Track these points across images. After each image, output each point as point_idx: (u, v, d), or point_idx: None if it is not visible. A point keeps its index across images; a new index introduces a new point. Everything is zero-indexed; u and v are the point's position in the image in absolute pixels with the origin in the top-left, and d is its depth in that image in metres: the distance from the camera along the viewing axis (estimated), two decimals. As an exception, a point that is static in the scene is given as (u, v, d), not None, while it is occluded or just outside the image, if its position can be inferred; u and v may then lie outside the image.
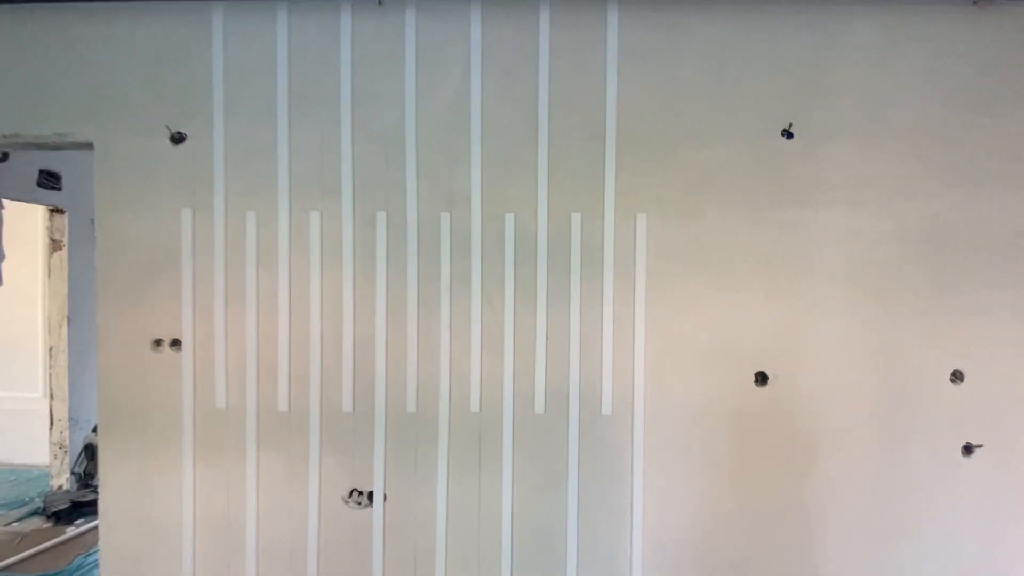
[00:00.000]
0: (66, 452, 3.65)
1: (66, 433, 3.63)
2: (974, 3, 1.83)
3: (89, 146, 1.96)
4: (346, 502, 1.92)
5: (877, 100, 1.86)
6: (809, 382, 1.88)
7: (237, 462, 1.93)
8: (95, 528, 3.18)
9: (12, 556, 2.83)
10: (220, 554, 1.94)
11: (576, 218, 1.89)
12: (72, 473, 3.56)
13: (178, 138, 1.93)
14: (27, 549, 2.90)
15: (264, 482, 1.93)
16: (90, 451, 3.52)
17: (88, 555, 2.85)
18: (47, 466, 3.88)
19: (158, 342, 1.95)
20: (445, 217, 1.90)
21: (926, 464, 1.87)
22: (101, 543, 1.98)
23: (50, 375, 3.66)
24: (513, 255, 1.90)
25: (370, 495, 1.92)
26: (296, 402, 1.92)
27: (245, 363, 1.92)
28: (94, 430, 3.67)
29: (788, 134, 1.86)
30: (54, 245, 3.63)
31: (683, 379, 1.89)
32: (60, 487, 3.60)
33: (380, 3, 1.87)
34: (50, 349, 3.65)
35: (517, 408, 1.90)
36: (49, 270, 3.64)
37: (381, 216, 1.90)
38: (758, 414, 1.88)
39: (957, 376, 1.88)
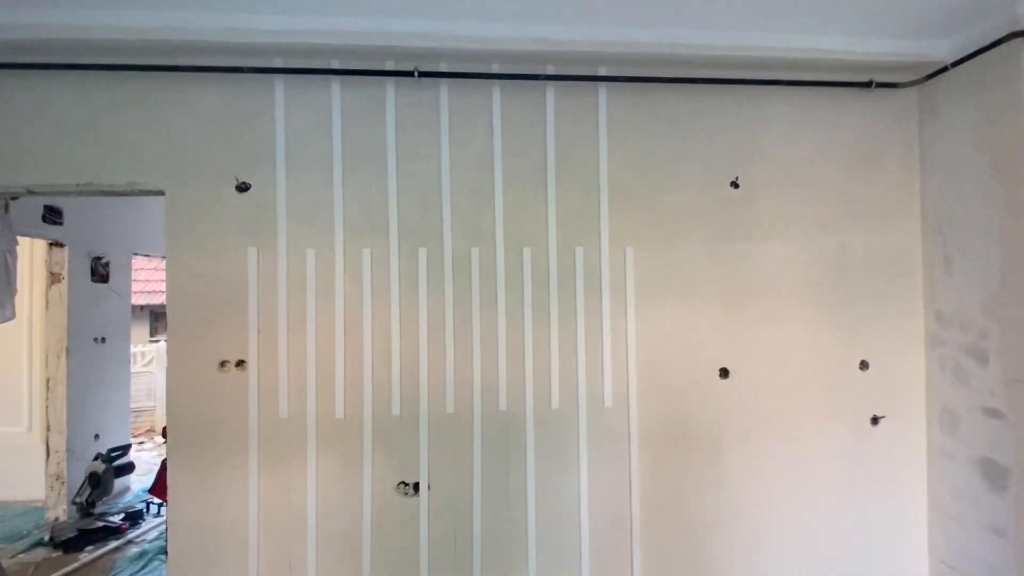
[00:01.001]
0: (63, 483, 3.67)
1: (63, 464, 3.66)
2: (866, 87, 2.49)
3: (160, 193, 2.25)
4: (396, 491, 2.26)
5: (794, 160, 2.48)
6: (760, 373, 2.44)
7: (298, 465, 2.23)
8: (108, 554, 3.27)
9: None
10: (282, 549, 2.22)
11: (579, 251, 2.37)
12: (73, 503, 3.59)
13: (243, 187, 2.25)
14: (41, 577, 2.95)
15: (322, 481, 2.24)
16: (95, 480, 3.57)
17: (110, 577, 2.95)
18: (37, 501, 3.87)
19: (223, 363, 2.23)
20: (475, 251, 2.33)
21: (846, 432, 2.46)
22: (169, 549, 2.20)
23: (47, 407, 3.69)
24: (530, 281, 2.35)
25: (415, 486, 2.27)
26: (351, 409, 2.26)
27: (305, 378, 2.24)
28: (96, 458, 3.72)
29: (735, 185, 2.45)
30: (53, 278, 3.71)
31: (664, 375, 2.40)
32: (57, 519, 3.61)
33: (416, 77, 2.28)
34: (47, 381, 3.69)
35: (536, 405, 2.33)
36: (47, 302, 3.70)
37: (422, 252, 2.31)
38: (722, 400, 2.41)
39: (864, 365, 2.50)
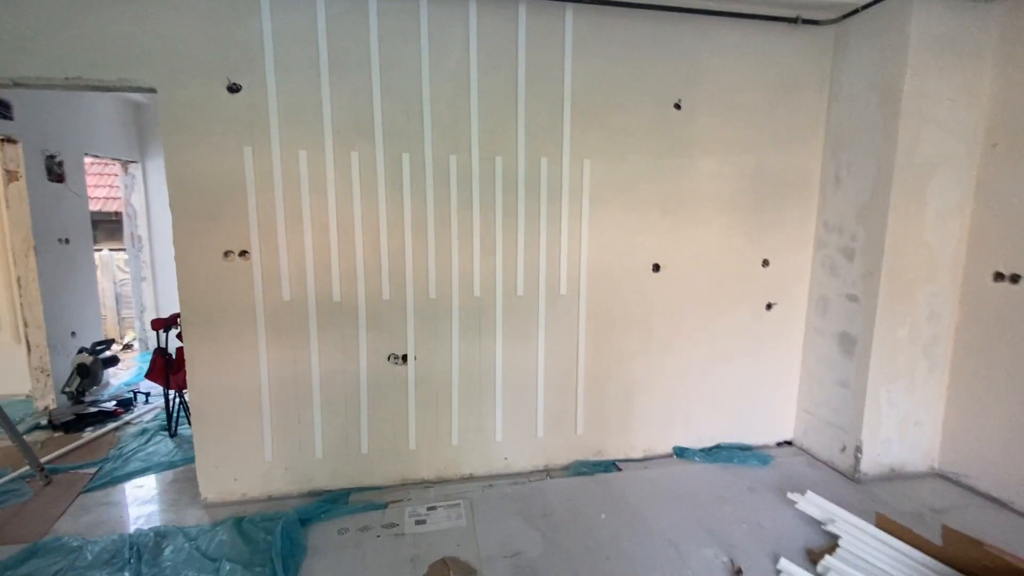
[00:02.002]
0: (48, 376, 3.86)
1: (46, 358, 3.83)
2: (793, 22, 2.86)
3: (152, 91, 2.35)
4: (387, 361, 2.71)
5: (731, 86, 2.88)
6: (685, 270, 2.99)
7: (302, 340, 2.61)
8: (110, 432, 3.59)
9: (44, 456, 3.19)
10: (291, 409, 2.65)
11: (544, 161, 2.73)
12: (63, 392, 3.81)
13: (234, 88, 2.40)
14: (50, 452, 3.26)
15: (323, 354, 2.64)
16: (83, 370, 3.78)
17: (119, 448, 3.30)
18: (18, 394, 4.06)
19: (227, 254, 2.50)
20: (453, 158, 2.63)
21: (747, 314, 3.11)
22: (192, 409, 2.58)
23: (21, 305, 3.78)
24: (501, 186, 2.70)
25: (404, 357, 2.73)
26: (346, 294, 2.62)
27: (304, 266, 2.56)
28: (80, 351, 3.91)
29: (678, 106, 2.84)
30: (9, 176, 3.64)
31: (609, 269, 2.90)
32: (47, 407, 3.84)
33: (397, -12, 2.43)
34: (17, 280, 3.74)
35: (504, 292, 2.79)
36: (7, 201, 3.66)
37: (406, 157, 2.58)
38: (654, 289, 2.97)
39: (765, 263, 3.11)
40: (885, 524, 2.30)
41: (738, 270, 3.07)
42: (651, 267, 2.95)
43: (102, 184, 7.22)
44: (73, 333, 4.13)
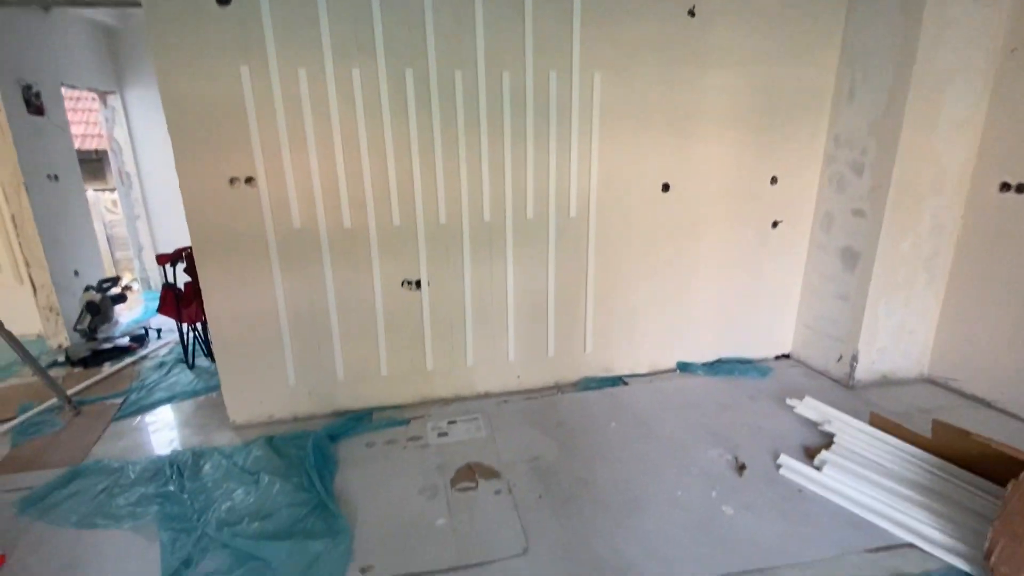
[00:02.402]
0: (58, 315, 3.88)
1: (53, 297, 3.83)
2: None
3: (137, 4, 2.20)
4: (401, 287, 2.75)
5: (747, -9, 2.74)
6: (694, 189, 2.98)
7: (315, 268, 2.62)
8: (129, 366, 3.68)
9: (68, 389, 3.28)
10: (310, 335, 2.71)
11: (552, 75, 2.63)
12: (75, 330, 3.85)
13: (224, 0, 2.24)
14: (73, 387, 3.34)
15: (338, 281, 2.67)
16: (93, 308, 3.80)
17: (141, 380, 3.39)
18: (28, 335, 4.09)
19: (233, 180, 2.45)
20: (459, 74, 2.53)
21: (753, 234, 3.15)
22: (212, 337, 2.63)
23: (20, 244, 3.72)
24: (509, 104, 2.62)
25: (417, 283, 2.76)
26: (356, 221, 2.61)
27: (312, 193, 2.52)
28: (87, 289, 3.91)
29: (692, 13, 2.70)
30: (-14, 109, 3.45)
31: (618, 191, 2.89)
32: (60, 346, 3.89)
33: None
34: (12, 217, 3.67)
35: (515, 216, 2.78)
36: (-12, 136, 3.50)
37: (409, 72, 2.48)
38: (663, 210, 2.97)
39: (774, 180, 3.10)
40: (878, 421, 2.47)
41: (747, 188, 3.06)
42: (660, 187, 2.93)
43: (78, 120, 6.89)
44: (76, 272, 4.11)
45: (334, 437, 2.58)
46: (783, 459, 2.32)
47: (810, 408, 2.71)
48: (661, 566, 1.79)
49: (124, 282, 5.84)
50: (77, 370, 3.62)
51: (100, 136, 5.47)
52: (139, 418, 2.94)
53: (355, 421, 2.73)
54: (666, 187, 2.94)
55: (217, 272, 2.53)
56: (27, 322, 4.08)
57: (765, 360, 3.44)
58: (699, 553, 1.85)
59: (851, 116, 2.91)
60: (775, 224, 3.18)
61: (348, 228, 2.61)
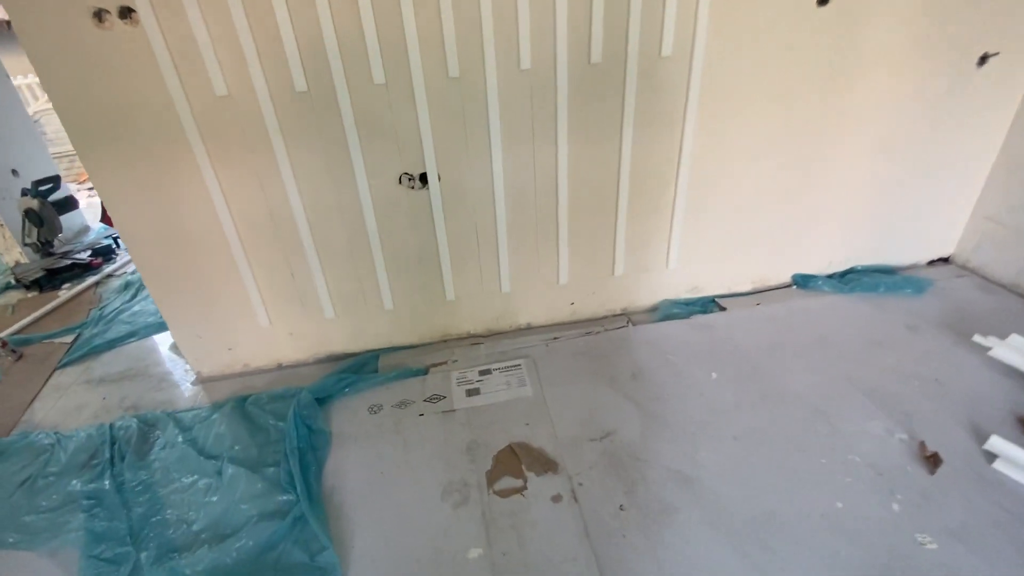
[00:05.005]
0: (2, 227, 3.18)
1: (-11, 206, 3.10)
2: None
3: None
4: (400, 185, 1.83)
5: None
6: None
7: (263, 157, 1.70)
8: (90, 288, 3.03)
9: (12, 324, 2.68)
10: (276, 257, 1.89)
11: None
12: (25, 245, 3.18)
13: None
14: (24, 317, 2.74)
15: (301, 177, 1.76)
16: (33, 216, 3.07)
17: (100, 308, 2.76)
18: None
19: (99, 14, 1.46)
20: None
21: (944, 73, 1.98)
22: (138, 265, 1.84)
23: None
24: None
25: (422, 177, 1.83)
26: (315, 79, 1.62)
27: (236, 34, 1.52)
28: (23, 194, 3.15)
29: None
30: None
31: (745, 6, 1.73)
32: (17, 263, 3.25)
33: None
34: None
35: (571, 60, 1.71)
36: None
37: None
38: (812, 41, 1.82)
39: (1003, -22, 1.84)
40: None
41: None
42: (814, -2, 1.76)
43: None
44: (14, 171, 3.32)
45: (325, 399, 1.88)
46: (994, 443, 1.49)
47: (1014, 350, 1.80)
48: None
49: (74, 185, 5.06)
50: (32, 295, 3.00)
51: None
52: (89, 363, 2.32)
53: (354, 373, 2.02)
54: (823, -3, 1.76)
55: (114, 170, 1.66)
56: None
57: (914, 267, 2.47)
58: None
59: None
60: (983, 59, 1.98)
61: (303, 91, 1.63)
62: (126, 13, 1.46)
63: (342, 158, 1.74)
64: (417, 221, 1.91)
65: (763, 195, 2.12)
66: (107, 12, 1.46)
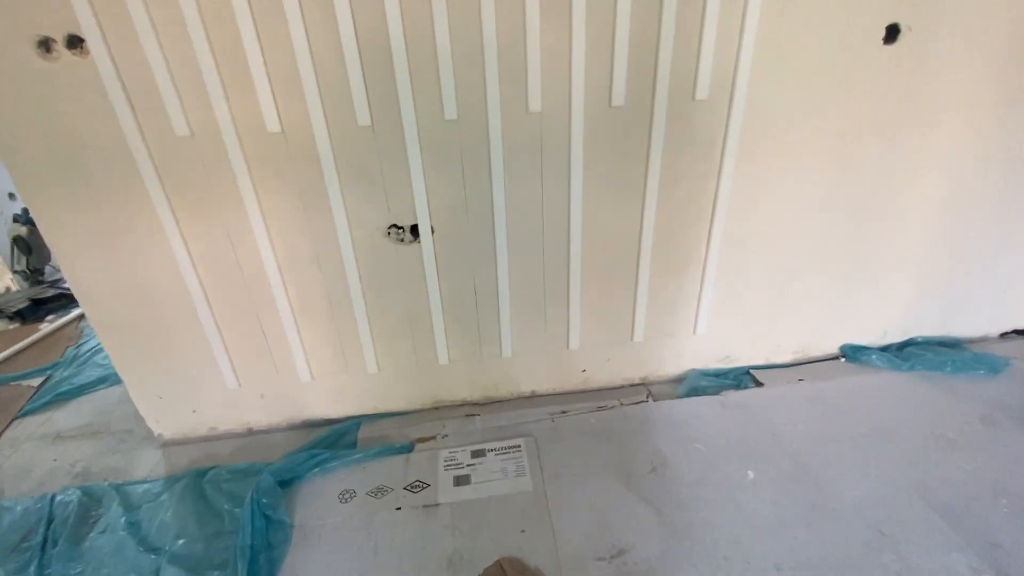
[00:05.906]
0: (-9, 252, 3.07)
1: (-23, 232, 2.99)
2: None
3: None
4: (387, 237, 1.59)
5: None
6: (945, 33, 1.50)
7: (231, 203, 1.49)
8: (73, 322, 2.87)
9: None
10: (246, 314, 1.66)
11: None
12: (14, 273, 3.05)
13: None
14: (4, 349, 2.58)
15: (275, 225, 1.54)
16: (21, 244, 2.95)
17: (78, 346, 2.58)
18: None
19: (44, 43, 1.27)
20: None
21: (1037, 125, 1.68)
22: (92, 321, 1.64)
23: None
24: None
25: (412, 229, 1.59)
26: (290, 117, 1.40)
27: (198, 65, 1.31)
28: (14, 220, 3.03)
29: None
30: None
31: (797, 37, 1.47)
32: (8, 289, 3.12)
33: None
34: None
35: (588, 101, 1.47)
36: None
37: None
38: (874, 75, 1.54)
39: (1110, 13, 1.54)
40: None
41: (1046, 34, 1.54)
42: (883, 32, 1.48)
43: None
44: (12, 195, 3.22)
45: (289, 481, 1.63)
46: (1123, 600, 1.15)
47: None
48: None
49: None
50: (14, 326, 2.85)
51: None
52: (51, 413, 2.12)
53: (328, 445, 1.77)
54: (893, 32, 1.49)
55: (62, 216, 1.46)
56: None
57: (985, 341, 2.13)
58: None
59: None
60: (1080, 105, 1.67)
61: (276, 132, 1.41)
62: (75, 43, 1.27)
63: (320, 207, 1.52)
64: (407, 277, 1.66)
65: (810, 254, 1.82)
66: (54, 41, 1.27)
